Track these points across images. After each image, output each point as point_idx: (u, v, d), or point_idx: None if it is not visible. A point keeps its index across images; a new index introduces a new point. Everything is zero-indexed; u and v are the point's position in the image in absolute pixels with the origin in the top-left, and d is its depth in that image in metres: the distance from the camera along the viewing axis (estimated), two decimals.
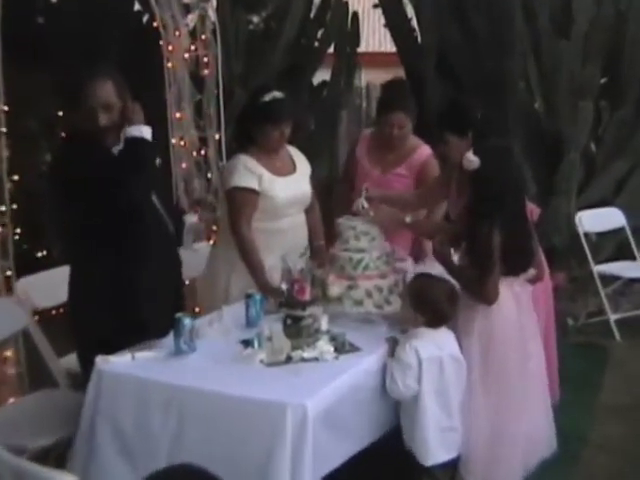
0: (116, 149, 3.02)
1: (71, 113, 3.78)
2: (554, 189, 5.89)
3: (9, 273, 3.70)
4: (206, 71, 5.18)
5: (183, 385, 2.66)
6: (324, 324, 2.98)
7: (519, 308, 3.07)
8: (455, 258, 3.12)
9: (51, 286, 3.54)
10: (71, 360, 3.43)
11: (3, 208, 3.70)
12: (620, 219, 5.65)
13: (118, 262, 2.98)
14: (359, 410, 2.78)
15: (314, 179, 3.80)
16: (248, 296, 3.17)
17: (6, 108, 3.70)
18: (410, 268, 3.33)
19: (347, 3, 6.90)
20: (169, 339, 2.87)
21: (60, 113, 5.55)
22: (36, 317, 3.71)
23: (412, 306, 2.98)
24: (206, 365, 2.78)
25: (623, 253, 5.76)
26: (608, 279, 5.50)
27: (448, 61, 6.33)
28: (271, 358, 2.79)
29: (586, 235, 5.54)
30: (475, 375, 2.98)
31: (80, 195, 2.94)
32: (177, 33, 5.03)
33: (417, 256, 3.75)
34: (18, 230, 4.50)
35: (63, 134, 4.63)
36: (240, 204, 3.49)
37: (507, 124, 5.79)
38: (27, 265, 4.01)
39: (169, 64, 5.07)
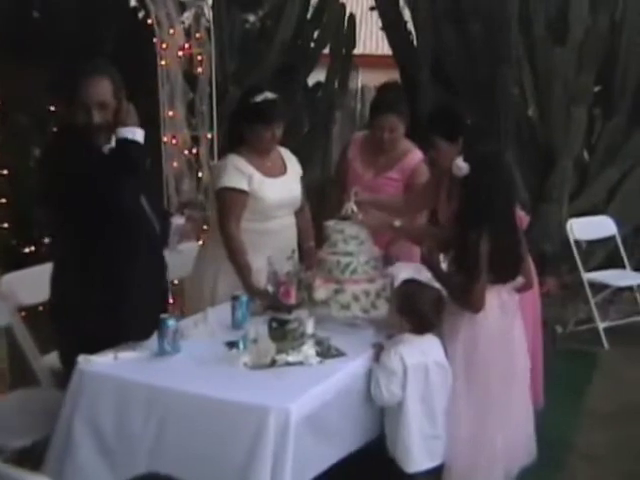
0: (106, 148, 2.98)
1: (64, 108, 3.73)
2: (546, 196, 5.90)
3: None
4: (200, 69, 5.14)
5: (165, 386, 2.63)
6: (310, 328, 2.96)
7: (505, 316, 3.06)
8: (444, 265, 3.11)
9: (37, 283, 3.49)
10: (55, 358, 3.37)
11: None
12: (611, 228, 5.67)
13: (102, 261, 2.94)
14: (344, 415, 2.76)
15: (307, 180, 3.78)
16: (234, 298, 3.16)
17: None
18: (399, 273, 3.32)
19: (344, 5, 6.90)
20: (153, 340, 2.85)
21: (52, 108, 5.52)
22: (23, 313, 3.68)
23: (398, 312, 2.97)
24: (189, 366, 2.76)
25: (613, 261, 5.77)
26: (597, 287, 5.51)
27: (443, 66, 6.32)
28: (255, 361, 2.76)
29: (577, 243, 5.55)
30: (459, 382, 2.97)
31: (63, 188, 2.88)
32: (171, 31, 5.00)
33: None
34: (6, 225, 4.48)
35: (55, 129, 4.60)
36: (229, 204, 3.48)
37: (500, 130, 5.80)
38: (15, 260, 3.99)
39: (162, 62, 5.04)
